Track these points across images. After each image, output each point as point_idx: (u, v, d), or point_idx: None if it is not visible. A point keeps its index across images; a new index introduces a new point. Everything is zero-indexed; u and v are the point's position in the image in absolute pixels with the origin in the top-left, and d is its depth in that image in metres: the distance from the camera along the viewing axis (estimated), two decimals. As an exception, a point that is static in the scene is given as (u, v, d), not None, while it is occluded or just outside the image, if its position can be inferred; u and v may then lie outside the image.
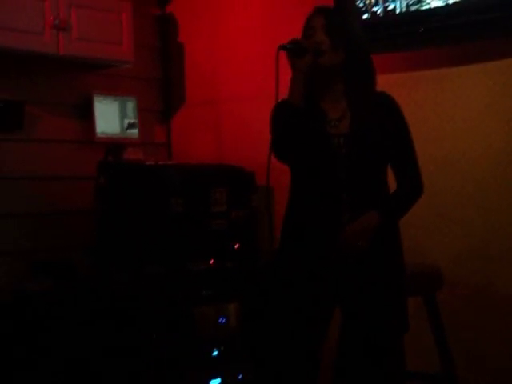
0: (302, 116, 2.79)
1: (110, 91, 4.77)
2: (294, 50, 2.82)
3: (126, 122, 4.80)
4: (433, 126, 4.05)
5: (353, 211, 2.82)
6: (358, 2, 4.08)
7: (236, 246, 4.19)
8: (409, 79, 4.15)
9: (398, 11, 3.99)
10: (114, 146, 4.58)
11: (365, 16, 4.08)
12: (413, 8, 3.95)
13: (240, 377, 4.02)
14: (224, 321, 4.03)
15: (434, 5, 3.88)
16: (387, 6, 4.01)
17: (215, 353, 3.97)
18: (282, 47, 2.83)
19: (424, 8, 3.91)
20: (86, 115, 4.65)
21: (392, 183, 3.01)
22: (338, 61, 2.85)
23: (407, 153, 2.95)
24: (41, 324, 3.84)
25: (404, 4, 3.97)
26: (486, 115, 3.92)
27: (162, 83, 5.28)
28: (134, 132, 4.84)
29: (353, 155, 2.82)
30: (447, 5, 3.84)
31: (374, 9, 4.06)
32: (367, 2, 4.07)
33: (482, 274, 3.92)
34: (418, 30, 3.95)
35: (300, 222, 2.93)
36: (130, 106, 4.84)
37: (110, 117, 4.72)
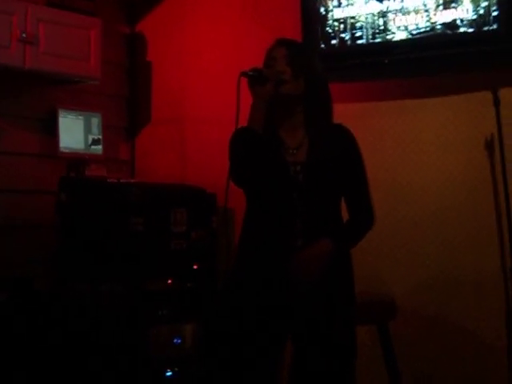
0: (261, 143, 2.81)
1: (76, 106, 4.75)
2: (255, 77, 2.84)
3: (91, 137, 4.79)
4: (393, 156, 4.11)
5: (306, 238, 2.82)
6: (327, 28, 4.14)
7: (195, 267, 4.19)
8: (371, 109, 4.20)
9: (364, 40, 4.04)
10: (76, 161, 4.57)
11: (333, 41, 4.14)
12: (378, 37, 4.00)
13: (193, 399, 4.02)
14: (179, 341, 4.02)
15: (398, 36, 3.95)
16: (354, 33, 4.07)
17: (169, 373, 3.96)
18: (244, 74, 2.85)
19: (389, 38, 3.97)
20: (50, 129, 4.63)
21: (344, 212, 3.04)
22: (298, 91, 2.88)
23: (361, 185, 2.97)
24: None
25: (370, 32, 4.03)
26: (444, 147, 4.00)
27: (128, 101, 5.29)
28: (98, 148, 4.82)
29: (309, 183, 2.84)
30: (411, 39, 3.90)
31: (342, 35, 4.11)
32: (335, 28, 4.11)
33: (435, 305, 3.97)
34: (382, 61, 4.00)
35: (253, 247, 2.93)
36: (95, 122, 4.83)
37: (74, 132, 4.70)
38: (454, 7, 3.82)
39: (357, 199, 2.96)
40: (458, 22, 3.80)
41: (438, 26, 3.85)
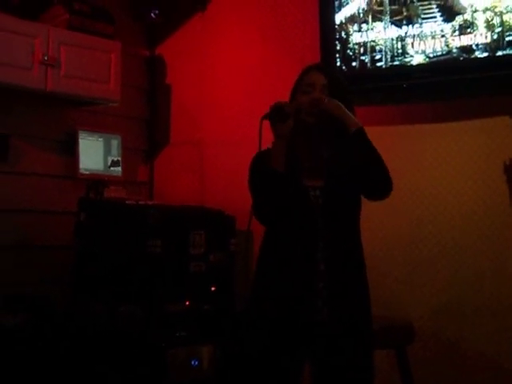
0: (283, 181, 2.84)
1: (95, 128, 4.79)
2: (276, 116, 2.86)
3: (110, 159, 4.82)
4: (411, 180, 4.10)
5: (328, 260, 2.84)
6: (348, 51, 4.17)
7: (213, 289, 4.19)
8: (391, 133, 4.20)
9: (383, 63, 4.06)
10: (96, 182, 4.59)
11: (353, 63, 4.17)
12: (397, 60, 4.03)
13: (211, 422, 4.01)
14: (197, 363, 4.01)
15: (416, 59, 3.98)
16: (374, 56, 4.10)
17: (186, 395, 3.96)
18: (265, 117, 2.87)
19: (407, 61, 4.00)
20: (70, 151, 4.67)
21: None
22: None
23: None
24: (12, 358, 3.82)
25: (389, 55, 4.05)
26: (463, 172, 3.99)
27: (147, 123, 5.33)
28: (117, 170, 4.85)
29: (328, 207, 2.87)
30: (429, 63, 3.92)
31: (362, 57, 4.15)
32: (356, 51, 4.15)
33: (453, 330, 3.95)
34: (401, 85, 4.02)
35: (274, 270, 2.93)
36: (115, 143, 4.87)
37: (93, 153, 4.74)
38: (469, 32, 3.84)
39: None
40: (474, 46, 3.83)
41: (455, 51, 3.88)
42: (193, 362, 3.99)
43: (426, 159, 4.11)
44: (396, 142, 4.18)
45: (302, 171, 2.93)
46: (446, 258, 4.01)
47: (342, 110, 2.86)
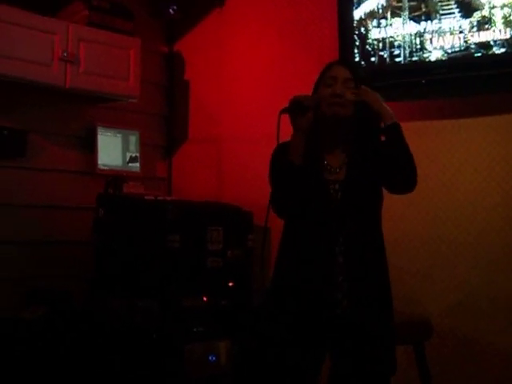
0: (301, 174, 2.85)
1: (114, 124, 4.81)
2: (295, 110, 2.87)
3: (128, 155, 4.84)
4: (429, 176, 4.09)
5: (347, 255, 2.85)
6: (367, 46, 4.18)
7: (230, 285, 4.20)
8: (409, 129, 4.19)
9: (401, 58, 4.07)
10: (114, 178, 4.60)
11: (372, 59, 4.18)
12: (415, 56, 4.04)
13: (229, 416, 4.02)
14: (214, 359, 4.02)
15: (435, 54, 3.98)
16: (393, 52, 4.11)
17: (203, 391, 3.97)
18: (284, 111, 2.89)
19: (426, 56, 4.01)
20: (89, 147, 4.69)
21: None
22: (350, 113, 2.91)
23: None
24: (32, 352, 3.85)
25: (408, 51, 4.06)
26: (481, 168, 3.98)
27: (165, 119, 5.34)
28: (136, 166, 4.87)
29: (346, 200, 2.88)
30: (449, 58, 3.92)
31: (381, 53, 4.16)
32: (375, 46, 4.16)
33: (471, 326, 3.94)
34: (420, 81, 4.02)
35: (293, 265, 2.94)
36: (133, 139, 4.88)
37: (112, 149, 4.76)
38: (487, 29, 3.83)
39: None
40: (492, 42, 3.82)
41: (473, 47, 3.87)
42: (210, 358, 4.00)
43: (443, 155, 4.09)
44: (413, 138, 4.16)
45: (323, 165, 2.94)
46: (463, 254, 3.99)
47: (380, 103, 2.89)
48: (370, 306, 2.87)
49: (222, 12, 5.08)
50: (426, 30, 4.01)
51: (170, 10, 5.01)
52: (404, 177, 2.89)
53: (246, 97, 4.90)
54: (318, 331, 2.87)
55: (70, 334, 3.99)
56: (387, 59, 4.14)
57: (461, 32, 3.91)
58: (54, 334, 3.95)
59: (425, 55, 4.01)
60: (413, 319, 3.68)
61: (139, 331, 3.91)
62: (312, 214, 2.91)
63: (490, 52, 3.82)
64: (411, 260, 4.12)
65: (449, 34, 3.94)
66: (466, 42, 3.89)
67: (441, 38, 3.96)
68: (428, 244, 4.09)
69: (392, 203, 4.09)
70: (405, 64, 4.08)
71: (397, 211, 4.13)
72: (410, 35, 4.05)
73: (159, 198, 4.39)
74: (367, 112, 2.91)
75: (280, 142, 2.91)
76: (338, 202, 2.89)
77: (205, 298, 4.09)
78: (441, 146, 4.12)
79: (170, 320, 3.95)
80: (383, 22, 4.15)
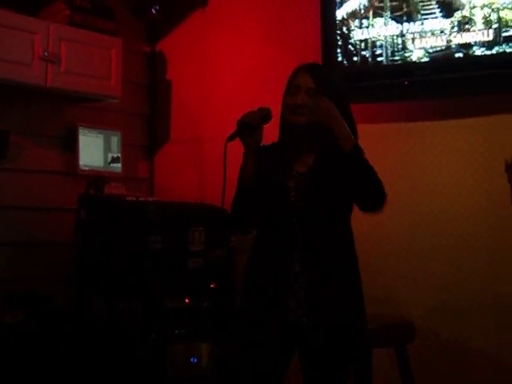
0: (255, 193, 2.89)
1: (96, 124, 4.78)
2: (245, 132, 2.89)
3: (110, 155, 4.81)
4: (412, 177, 4.10)
5: (304, 262, 2.83)
6: (349, 46, 4.19)
7: (212, 286, 4.19)
8: (392, 130, 4.20)
9: (383, 58, 4.07)
10: (96, 179, 4.57)
11: (355, 58, 4.17)
12: (397, 55, 4.04)
13: (209, 419, 4.01)
14: (196, 360, 4.01)
15: (416, 54, 3.99)
16: (375, 51, 4.11)
17: (185, 393, 3.96)
18: (232, 137, 2.91)
19: (407, 56, 4.02)
20: (70, 147, 4.66)
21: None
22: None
23: None
24: (12, 357, 3.82)
25: (390, 51, 4.06)
26: (464, 170, 3.98)
27: (147, 119, 5.32)
28: (117, 166, 4.85)
29: (308, 208, 2.85)
30: (431, 58, 3.92)
31: (363, 53, 4.16)
32: (357, 46, 4.16)
33: (452, 328, 3.95)
34: (402, 82, 4.02)
35: (255, 272, 2.97)
36: (115, 140, 4.85)
37: (93, 150, 4.73)
38: (468, 29, 3.85)
39: None
40: (472, 43, 3.84)
41: (454, 47, 3.89)
42: (192, 360, 4.00)
43: (426, 157, 4.09)
44: (396, 139, 4.18)
45: (290, 171, 2.93)
46: (446, 256, 4.00)
47: (332, 120, 2.81)
48: (327, 314, 2.83)
49: (204, 12, 5.05)
50: (408, 31, 4.01)
51: (152, 10, 4.99)
52: (370, 201, 2.87)
53: (228, 97, 4.88)
54: (277, 337, 2.88)
55: (52, 338, 3.96)
56: (369, 59, 4.14)
57: (442, 32, 3.92)
58: (36, 339, 3.92)
59: (406, 55, 4.02)
60: (395, 321, 3.68)
61: (121, 332, 3.89)
62: (273, 220, 2.92)
63: (471, 52, 3.84)
64: (393, 262, 4.12)
65: (430, 34, 3.95)
66: (447, 42, 3.90)
67: (422, 38, 3.97)
68: (410, 247, 4.09)
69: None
70: (387, 65, 4.08)
71: (380, 215, 4.12)
72: (392, 36, 4.05)
73: (141, 198, 4.39)
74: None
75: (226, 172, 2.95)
76: (297, 209, 2.87)
77: (187, 300, 4.08)
78: (424, 147, 4.11)
79: (151, 321, 3.93)
80: (365, 21, 4.15)
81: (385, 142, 4.19)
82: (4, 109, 4.38)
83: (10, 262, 4.37)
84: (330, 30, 4.25)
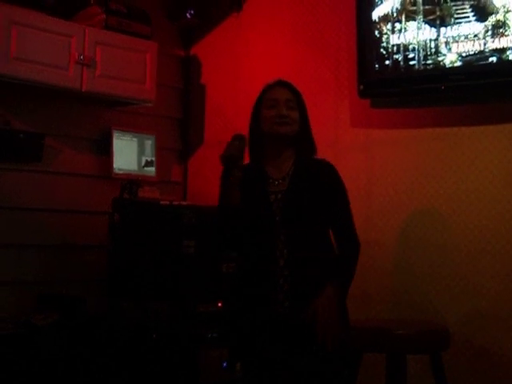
0: (242, 212, 3.03)
1: (130, 128, 4.80)
2: (230, 165, 3.03)
3: (144, 159, 4.83)
4: (448, 183, 4.05)
5: (287, 258, 2.97)
6: (381, 49, 4.16)
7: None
8: (427, 135, 4.16)
9: (416, 62, 4.04)
10: (130, 182, 4.57)
11: (386, 62, 4.15)
12: (430, 59, 4.00)
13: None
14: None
15: (449, 58, 3.94)
16: (407, 55, 4.08)
17: (218, 397, 3.95)
18: (226, 175, 3.08)
19: (440, 60, 3.97)
20: (105, 151, 4.69)
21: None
22: (294, 132, 3.09)
23: (343, 216, 3.11)
24: (43, 358, 3.84)
25: (422, 54, 4.03)
26: (501, 176, 3.92)
27: (181, 123, 5.32)
28: (151, 170, 4.86)
29: (288, 210, 3.02)
30: (464, 63, 3.89)
31: (396, 56, 4.12)
32: (389, 50, 4.13)
33: (488, 336, 3.88)
34: (439, 87, 3.98)
35: (244, 266, 3.15)
36: (149, 143, 4.87)
37: (128, 153, 4.75)
38: (502, 33, 3.80)
39: (340, 230, 3.11)
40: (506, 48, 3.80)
41: (488, 52, 3.84)
42: (224, 364, 3.98)
43: (462, 162, 4.04)
44: (432, 145, 4.14)
45: (267, 178, 3.11)
46: (481, 263, 3.94)
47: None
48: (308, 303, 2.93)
49: (239, 16, 5.06)
50: (441, 35, 3.98)
51: (188, 14, 5.01)
52: None
53: (262, 101, 4.87)
54: (271, 333, 2.99)
55: (83, 340, 3.97)
56: (401, 63, 4.10)
57: (475, 36, 3.87)
58: (66, 342, 3.93)
59: (439, 59, 3.98)
60: (430, 328, 3.63)
61: (153, 336, 3.89)
62: (255, 221, 3.06)
63: (505, 57, 3.78)
64: (428, 269, 4.08)
65: (463, 38, 3.90)
66: (481, 47, 3.85)
67: (456, 42, 3.92)
68: (446, 253, 4.04)
69: (405, 209, 4.08)
70: (420, 70, 4.04)
71: (411, 216, 4.10)
72: (425, 39, 4.02)
73: (174, 202, 4.38)
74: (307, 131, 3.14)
75: None
76: (278, 209, 3.03)
77: (219, 304, 4.07)
78: (459, 152, 4.06)
79: (184, 325, 3.93)
80: (397, 25, 4.12)
81: (417, 147, 4.17)
82: (40, 112, 4.42)
83: (43, 264, 4.39)
84: (366, 33, 4.22)
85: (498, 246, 3.90)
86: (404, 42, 4.09)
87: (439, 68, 3.99)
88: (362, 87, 4.23)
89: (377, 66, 4.18)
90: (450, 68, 3.95)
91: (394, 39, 4.13)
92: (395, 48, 4.13)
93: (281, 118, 3.06)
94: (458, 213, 4.03)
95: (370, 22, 4.20)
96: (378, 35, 4.18)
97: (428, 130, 4.17)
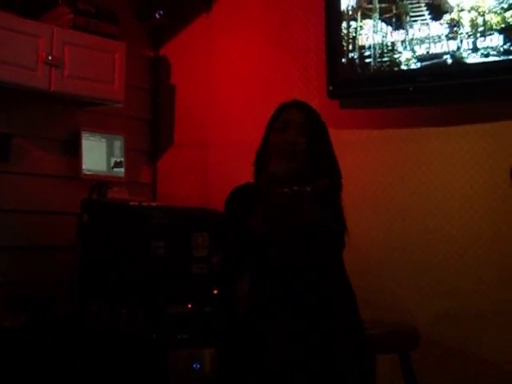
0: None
1: (99, 129, 4.77)
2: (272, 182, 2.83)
3: (113, 160, 4.80)
4: (417, 183, 4.09)
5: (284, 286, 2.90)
6: (349, 50, 4.19)
7: (215, 292, 4.17)
8: (397, 135, 4.19)
9: (385, 62, 4.08)
10: (99, 183, 4.57)
11: (355, 63, 4.18)
12: (396, 60, 4.04)
13: (212, 426, 3.99)
14: (198, 366, 3.99)
15: (404, 56, 3.99)
16: (376, 56, 4.11)
17: (187, 399, 3.94)
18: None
19: (396, 57, 4.03)
20: (73, 151, 4.65)
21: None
22: (305, 162, 2.90)
23: None
24: (13, 360, 3.80)
25: (390, 55, 4.07)
26: (469, 176, 3.95)
27: (151, 124, 5.31)
28: (120, 171, 4.84)
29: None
30: (420, 62, 3.94)
31: (364, 57, 4.15)
32: (358, 51, 4.17)
33: (457, 335, 3.92)
34: (408, 88, 4.01)
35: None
36: (118, 144, 4.85)
37: (96, 154, 4.72)
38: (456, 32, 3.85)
39: None
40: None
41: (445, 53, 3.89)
42: (194, 365, 3.97)
43: (431, 162, 4.07)
44: (401, 145, 4.17)
45: None
46: (450, 263, 3.97)
47: None
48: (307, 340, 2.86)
49: (208, 17, 5.05)
50: (397, 32, 4.02)
51: (156, 15, 5.00)
52: None
53: (232, 102, 4.88)
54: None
55: (53, 341, 3.94)
56: (371, 63, 4.13)
57: (431, 35, 3.91)
58: (36, 342, 3.90)
59: (406, 60, 4.00)
60: (399, 328, 3.65)
61: (123, 337, 3.87)
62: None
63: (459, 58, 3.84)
64: (397, 268, 4.10)
65: (425, 39, 3.95)
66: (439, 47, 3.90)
67: (418, 45, 3.97)
68: (415, 253, 4.07)
69: (379, 211, 4.11)
70: (388, 70, 4.09)
71: (383, 219, 4.12)
72: (393, 41, 4.05)
73: (144, 203, 4.36)
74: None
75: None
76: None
77: (189, 305, 4.07)
78: (429, 152, 4.09)
79: (154, 326, 3.91)
80: (365, 26, 4.15)
81: (389, 147, 4.19)
82: (7, 112, 4.38)
83: (11, 265, 4.35)
84: (334, 34, 4.24)
85: (467, 245, 3.93)
86: (373, 42, 4.12)
87: (408, 69, 4.02)
88: (331, 88, 4.25)
89: (345, 66, 4.20)
90: (416, 69, 3.99)
91: (363, 40, 4.15)
92: (363, 49, 4.16)
93: (285, 144, 2.86)
94: (427, 213, 4.06)
95: (339, 23, 4.22)
96: (346, 36, 4.20)
97: (397, 130, 4.20)
